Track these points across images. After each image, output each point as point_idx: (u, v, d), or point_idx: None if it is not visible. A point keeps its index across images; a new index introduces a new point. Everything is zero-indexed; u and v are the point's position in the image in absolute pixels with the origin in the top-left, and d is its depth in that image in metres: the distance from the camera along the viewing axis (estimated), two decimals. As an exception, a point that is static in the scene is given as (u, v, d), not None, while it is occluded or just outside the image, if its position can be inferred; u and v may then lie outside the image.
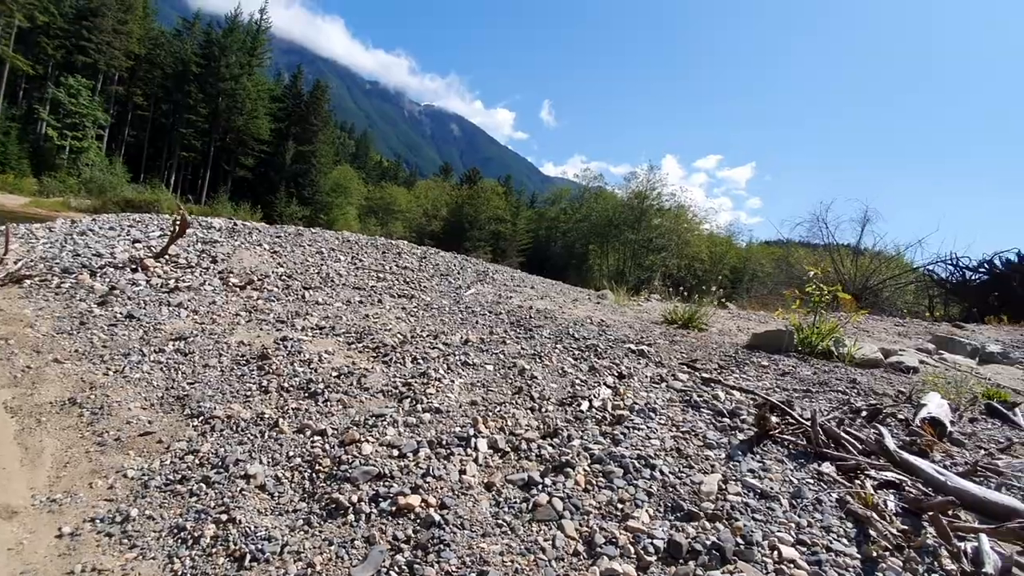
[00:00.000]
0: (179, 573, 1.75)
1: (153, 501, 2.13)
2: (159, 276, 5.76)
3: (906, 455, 2.46)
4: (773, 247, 35.12)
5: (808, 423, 2.70)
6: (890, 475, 2.33)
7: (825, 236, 17.88)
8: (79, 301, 4.83)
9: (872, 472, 2.35)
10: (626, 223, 33.64)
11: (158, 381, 3.32)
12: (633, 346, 4.39)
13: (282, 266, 6.50)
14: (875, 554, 1.79)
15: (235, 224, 8.31)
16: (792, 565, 1.71)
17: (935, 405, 3.16)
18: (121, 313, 4.57)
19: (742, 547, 1.79)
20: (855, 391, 3.64)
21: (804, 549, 1.80)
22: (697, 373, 3.74)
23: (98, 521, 2.02)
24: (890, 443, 2.54)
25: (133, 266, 5.99)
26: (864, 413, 3.12)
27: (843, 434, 2.66)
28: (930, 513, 1.98)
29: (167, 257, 6.33)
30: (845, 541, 1.86)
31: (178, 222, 6.52)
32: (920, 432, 2.83)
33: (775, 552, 1.77)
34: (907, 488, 2.22)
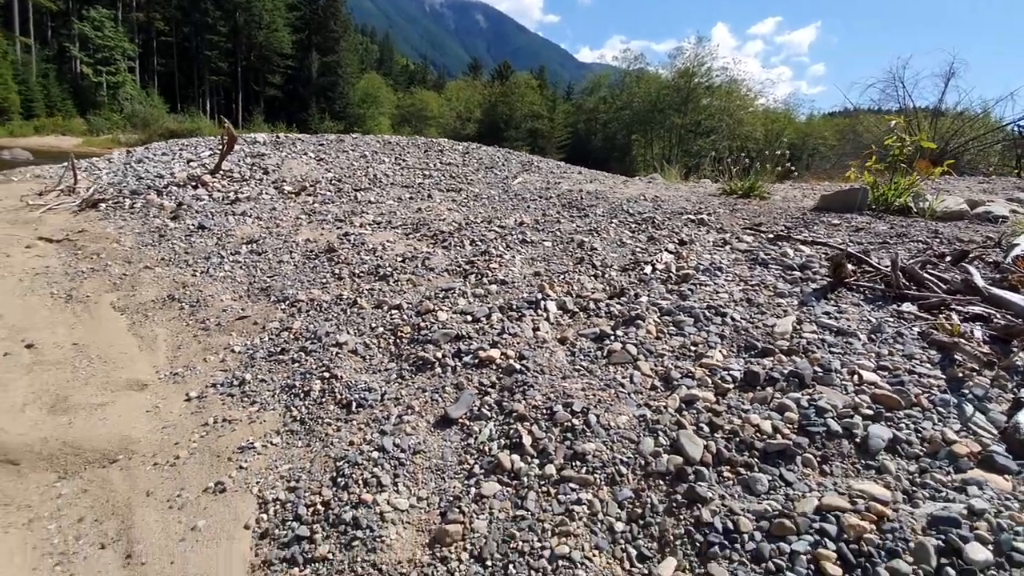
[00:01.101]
0: (297, 418, 1.98)
1: (262, 368, 2.38)
2: (219, 190, 5.98)
3: (995, 290, 2.34)
4: (838, 118, 31.96)
5: (887, 269, 2.59)
6: (978, 309, 2.24)
7: (901, 98, 15.97)
8: (153, 218, 5.14)
9: (958, 307, 2.26)
10: (671, 106, 31.29)
11: (241, 277, 3.56)
12: (692, 216, 4.25)
13: (330, 171, 6.56)
14: (961, 375, 1.77)
15: (278, 137, 8.35)
16: (873, 387, 1.73)
17: (1031, 244, 2.94)
18: (193, 225, 4.84)
19: (820, 374, 1.81)
20: (938, 241, 3.42)
21: (885, 373, 1.81)
22: (762, 235, 3.61)
23: (218, 386, 2.29)
24: (978, 280, 2.41)
25: (193, 183, 6.23)
26: (949, 258, 2.95)
27: (926, 276, 2.54)
28: (1022, 337, 1.91)
29: (221, 172, 6.53)
30: (929, 366, 1.84)
31: (225, 138, 6.62)
32: (1011, 269, 2.66)
33: (855, 376, 1.78)
34: (996, 320, 2.14)
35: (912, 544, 1.20)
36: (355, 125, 47.41)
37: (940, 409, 1.62)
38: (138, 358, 2.67)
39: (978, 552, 1.14)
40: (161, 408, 2.18)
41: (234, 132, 6.65)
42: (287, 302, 3.03)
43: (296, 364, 2.36)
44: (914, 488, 1.36)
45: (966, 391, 1.69)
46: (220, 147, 6.87)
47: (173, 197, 5.75)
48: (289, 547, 1.45)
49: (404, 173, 6.69)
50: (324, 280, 3.32)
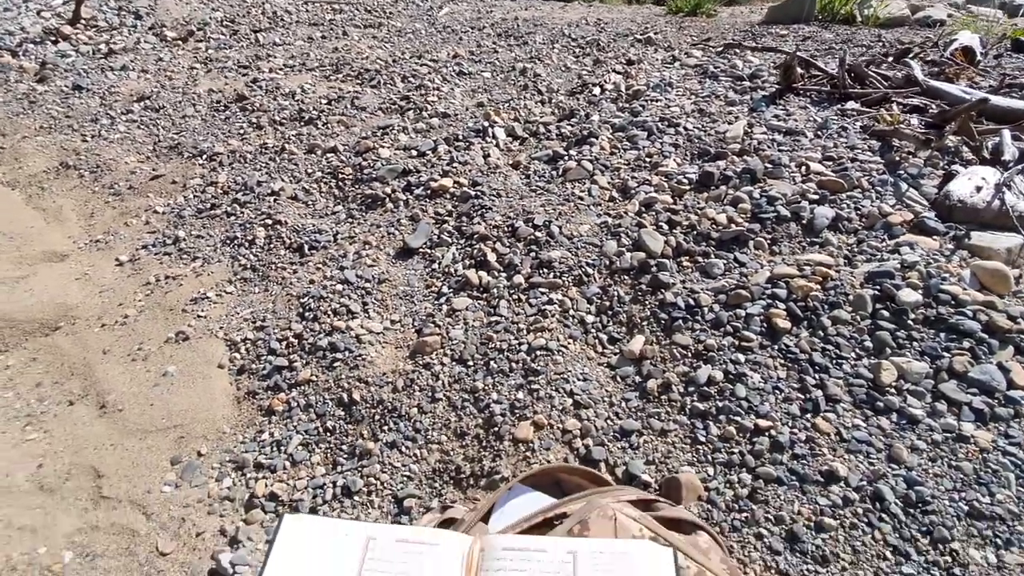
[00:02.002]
0: (247, 266, 1.87)
1: (194, 225, 2.18)
2: (86, 43, 4.97)
3: (933, 82, 2.39)
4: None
5: (834, 71, 2.57)
6: (916, 101, 2.30)
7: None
8: (16, 83, 4.25)
9: (898, 100, 2.31)
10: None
11: (141, 137, 3.11)
12: (638, 36, 3.98)
13: (217, 10, 5.54)
14: (898, 158, 1.86)
15: (143, -29, 6.80)
16: (819, 175, 1.79)
17: (967, 37, 2.97)
18: (66, 86, 4.07)
19: (770, 168, 1.85)
20: (881, 44, 3.40)
21: (830, 163, 1.87)
22: (711, 49, 3.45)
23: (150, 247, 2.10)
24: (918, 73, 2.44)
25: (52, 38, 5.13)
26: (891, 57, 2.95)
27: (870, 72, 2.54)
28: (956, 120, 1.99)
29: (83, 21, 5.37)
30: (870, 153, 1.91)
31: (74, -29, 5.32)
32: (950, 62, 2.71)
33: (802, 168, 1.84)
34: (932, 109, 2.21)
35: (851, 296, 1.34)
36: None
37: (878, 188, 1.72)
38: (47, 230, 2.38)
39: (909, 295, 1.29)
40: (91, 275, 2.00)
41: (84, -36, 5.35)
42: (204, 157, 2.71)
43: (232, 217, 2.17)
44: (854, 255, 1.48)
45: (902, 171, 1.79)
46: (71, -13, 5.56)
47: (33, 56, 4.74)
48: (270, 377, 1.45)
49: (310, 9, 5.75)
50: (241, 130, 2.96)
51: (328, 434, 1.31)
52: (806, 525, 0.99)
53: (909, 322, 1.27)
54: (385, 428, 1.29)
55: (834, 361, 1.24)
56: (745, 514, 1.02)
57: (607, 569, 0.71)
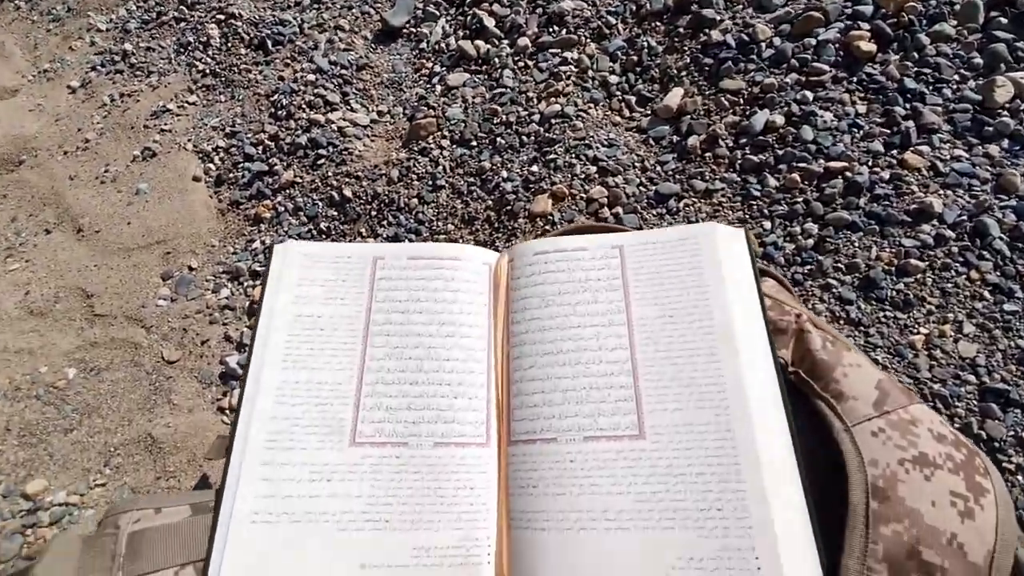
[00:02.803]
0: (206, 72, 1.60)
1: (142, 38, 1.87)
2: None
3: None
4: None
5: None
6: None
7: None
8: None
9: None
10: None
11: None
12: None
13: None
14: None
15: None
16: None
17: None
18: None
19: None
20: None
21: None
22: None
23: (98, 68, 1.82)
24: None
25: None
26: None
27: None
28: None
29: None
30: None
31: None
32: None
33: None
34: None
35: (958, 5, 1.02)
36: None
37: None
38: (-9, 71, 2.10)
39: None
40: (45, 105, 1.77)
41: None
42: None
43: (183, 23, 1.83)
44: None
45: None
46: None
47: None
48: (251, 185, 1.28)
49: None
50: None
51: (323, 236, 1.17)
52: (885, 270, 0.83)
53: (1038, 25, 0.96)
54: (384, 224, 1.13)
55: (932, 86, 0.97)
56: (809, 266, 0.86)
57: (664, 257, 0.57)
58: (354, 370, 0.56)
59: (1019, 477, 0.65)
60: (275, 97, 1.41)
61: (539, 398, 0.54)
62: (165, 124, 1.49)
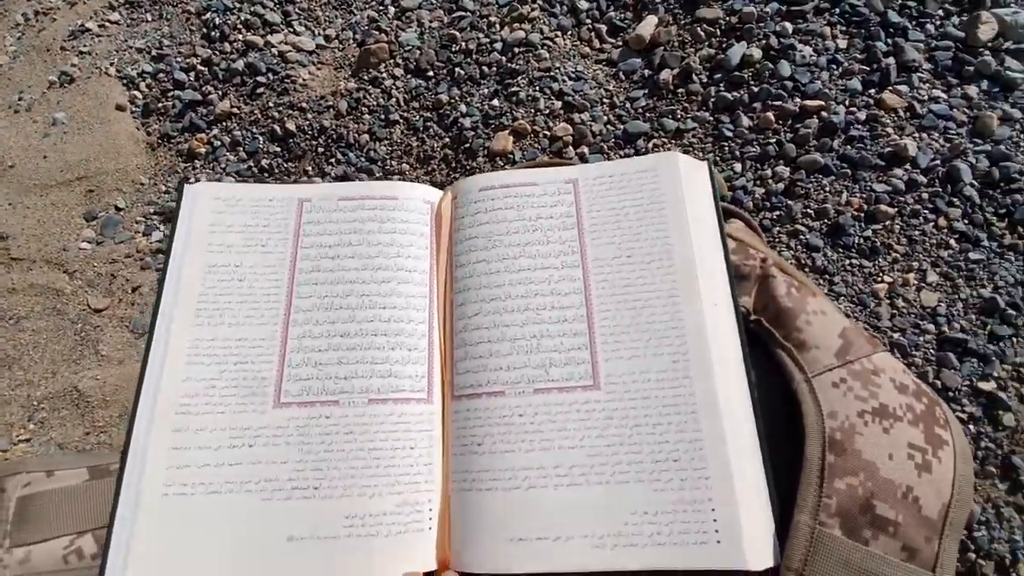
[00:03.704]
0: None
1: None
2: None
3: None
4: None
5: None
6: None
7: None
8: None
9: None
10: None
11: None
12: None
13: None
14: None
15: None
16: None
17: None
18: None
19: None
20: None
21: None
22: None
23: (6, -21, 1.59)
24: None
25: None
26: None
27: None
28: None
29: None
30: None
31: None
32: None
33: None
34: None
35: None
36: None
37: None
38: None
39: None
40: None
41: None
42: None
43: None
44: None
45: None
46: None
47: None
48: (183, 116, 1.15)
49: None
50: None
51: (265, 174, 1.07)
52: (854, 216, 0.80)
53: (1031, -43, 0.91)
54: (332, 161, 1.04)
55: (915, 20, 0.91)
56: (778, 212, 0.83)
57: (621, 192, 0.53)
58: (278, 324, 0.51)
59: (970, 427, 0.65)
60: (207, 16, 1.25)
61: (485, 348, 0.50)
62: (84, 46, 1.32)
